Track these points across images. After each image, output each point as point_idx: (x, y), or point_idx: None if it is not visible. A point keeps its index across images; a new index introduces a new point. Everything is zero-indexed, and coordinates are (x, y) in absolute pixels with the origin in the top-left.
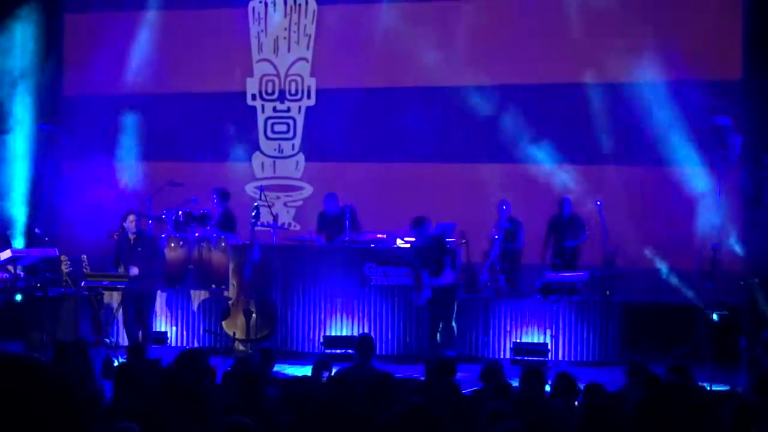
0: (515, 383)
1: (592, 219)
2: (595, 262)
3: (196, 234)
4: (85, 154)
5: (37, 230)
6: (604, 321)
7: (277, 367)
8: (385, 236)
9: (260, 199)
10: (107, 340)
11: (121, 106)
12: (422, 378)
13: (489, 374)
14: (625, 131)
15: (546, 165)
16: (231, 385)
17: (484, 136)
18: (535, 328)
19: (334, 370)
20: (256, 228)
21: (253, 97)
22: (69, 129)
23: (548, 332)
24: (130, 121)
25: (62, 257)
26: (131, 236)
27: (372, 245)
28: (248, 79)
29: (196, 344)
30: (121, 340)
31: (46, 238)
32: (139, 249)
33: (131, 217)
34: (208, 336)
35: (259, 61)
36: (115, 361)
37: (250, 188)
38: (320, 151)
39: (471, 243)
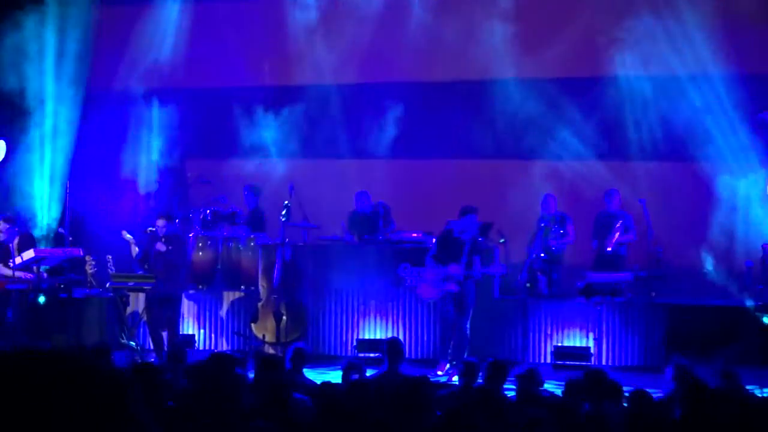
0: (553, 387)
1: (635, 217)
2: (640, 262)
3: (225, 233)
4: (111, 151)
5: (60, 229)
6: (650, 324)
7: (307, 372)
8: (420, 235)
9: (290, 197)
10: (132, 344)
11: (148, 100)
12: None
13: (525, 381)
14: (670, 126)
15: (588, 161)
16: (258, 389)
17: (522, 131)
18: (577, 331)
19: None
20: (286, 227)
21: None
22: (95, 123)
23: (591, 335)
24: (157, 116)
25: (87, 258)
26: (162, 238)
27: (406, 245)
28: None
29: (225, 347)
30: (147, 344)
31: (71, 238)
32: (170, 247)
33: (161, 222)
34: (237, 339)
35: (292, 54)
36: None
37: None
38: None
39: (510, 242)
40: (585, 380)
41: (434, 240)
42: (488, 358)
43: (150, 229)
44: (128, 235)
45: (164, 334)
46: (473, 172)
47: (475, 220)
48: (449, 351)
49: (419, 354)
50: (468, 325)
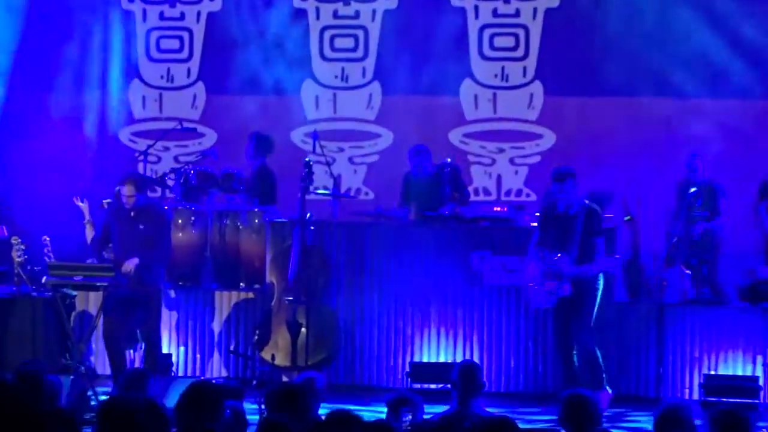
0: None
1: None
2: None
3: (217, 205)
4: (44, 78)
5: None
6: None
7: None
8: (506, 209)
9: (313, 152)
10: (81, 367)
11: None
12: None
13: (672, 423)
14: None
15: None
16: None
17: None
18: (739, 353)
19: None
20: (308, 196)
21: None
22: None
23: (759, 360)
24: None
25: (14, 240)
26: (130, 210)
27: (485, 223)
28: None
29: (215, 372)
30: (101, 366)
31: None
32: (141, 227)
33: (129, 187)
34: (234, 360)
35: None
36: (93, 397)
37: (298, 136)
38: (406, 80)
39: (641, 220)
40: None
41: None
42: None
43: (106, 201)
44: (82, 203)
45: (131, 352)
46: (573, 111)
47: (575, 187)
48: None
49: (503, 386)
50: (593, 342)
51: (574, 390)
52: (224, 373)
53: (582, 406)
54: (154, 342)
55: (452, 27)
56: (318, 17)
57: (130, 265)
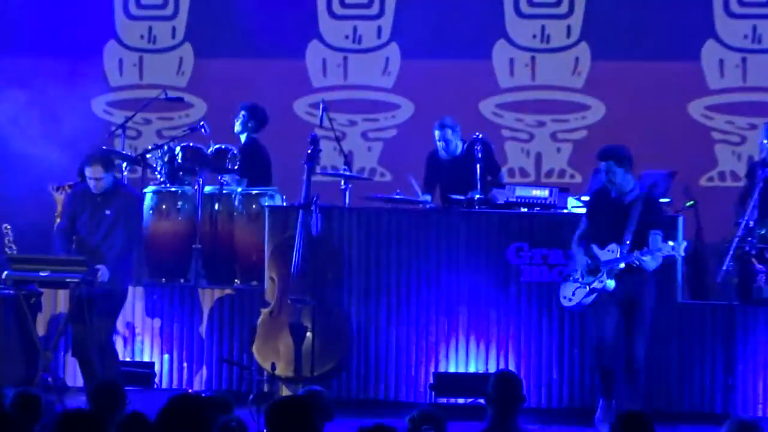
0: None
1: None
2: None
3: (206, 187)
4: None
5: None
6: None
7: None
8: (547, 193)
9: (320, 126)
10: (48, 378)
11: None
12: None
13: None
14: None
15: None
16: None
17: None
18: None
19: None
20: (314, 178)
21: None
22: None
23: None
24: None
25: None
26: (97, 195)
27: (523, 209)
28: None
29: (204, 384)
30: (73, 378)
31: None
32: (108, 212)
33: (95, 168)
34: (227, 370)
35: None
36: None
37: (303, 107)
38: (428, 41)
39: (703, 207)
40: None
41: (584, 203)
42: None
43: (66, 187)
44: (59, 195)
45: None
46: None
47: (631, 170)
48: (611, 397)
49: (546, 400)
50: (643, 352)
51: (629, 408)
52: (216, 386)
53: (641, 428)
54: (107, 348)
55: None
56: None
57: (100, 277)
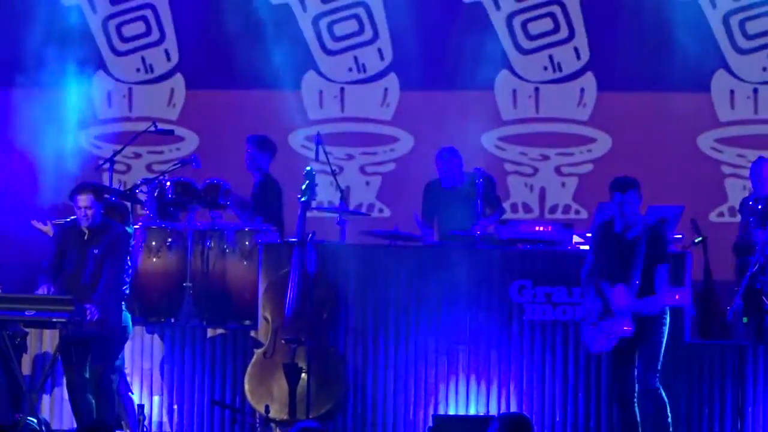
0: None
1: None
2: None
3: (198, 224)
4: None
5: None
6: None
7: None
8: (550, 229)
9: (316, 160)
10: (35, 422)
11: None
12: None
13: None
14: None
15: None
16: None
17: None
18: None
19: None
20: (309, 214)
21: None
22: None
23: None
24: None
25: None
26: (84, 229)
27: (526, 246)
28: None
29: (194, 428)
30: (60, 421)
31: None
32: (96, 251)
33: (84, 197)
34: (219, 412)
35: None
36: None
37: (298, 140)
38: (427, 71)
39: (712, 243)
40: None
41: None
42: None
43: (53, 223)
44: (45, 226)
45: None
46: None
47: (636, 202)
48: None
49: None
50: (659, 385)
51: None
52: (207, 429)
53: None
54: (102, 390)
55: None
56: (305, 9)
57: (89, 316)
